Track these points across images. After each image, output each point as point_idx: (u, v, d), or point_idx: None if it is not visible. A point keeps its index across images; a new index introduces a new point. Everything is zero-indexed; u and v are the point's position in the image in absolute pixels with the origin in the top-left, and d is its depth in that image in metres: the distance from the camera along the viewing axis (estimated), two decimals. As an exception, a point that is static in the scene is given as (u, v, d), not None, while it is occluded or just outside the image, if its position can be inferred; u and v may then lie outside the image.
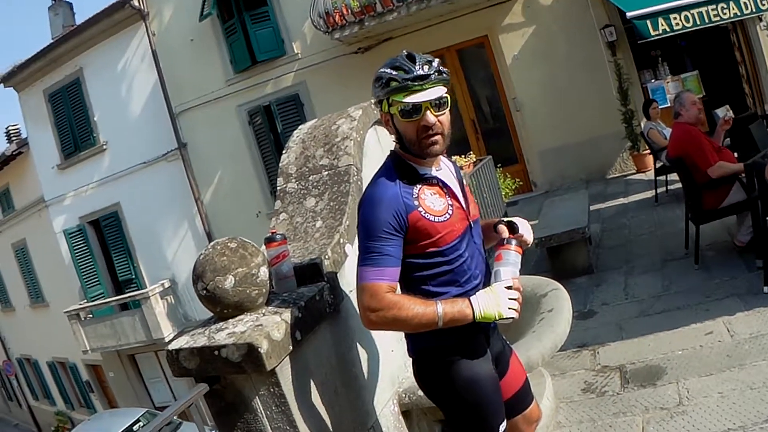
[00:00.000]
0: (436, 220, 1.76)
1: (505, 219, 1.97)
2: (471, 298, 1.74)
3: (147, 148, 11.55)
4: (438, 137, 1.75)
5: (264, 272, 1.98)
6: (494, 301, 1.73)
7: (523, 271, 4.71)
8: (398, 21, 9.41)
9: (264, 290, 1.98)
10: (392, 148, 1.89)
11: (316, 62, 10.26)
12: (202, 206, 11.36)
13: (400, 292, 1.80)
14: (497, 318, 1.73)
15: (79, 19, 13.34)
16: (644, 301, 4.42)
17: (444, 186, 1.83)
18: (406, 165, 1.81)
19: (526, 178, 9.83)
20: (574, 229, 5.13)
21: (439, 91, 1.73)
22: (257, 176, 10.89)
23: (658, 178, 7.27)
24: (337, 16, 9.36)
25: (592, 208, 6.68)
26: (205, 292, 1.90)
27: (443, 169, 1.88)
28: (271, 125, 10.67)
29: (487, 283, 1.85)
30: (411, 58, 1.74)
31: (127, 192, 11.92)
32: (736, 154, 5.15)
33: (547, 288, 2.85)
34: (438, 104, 1.73)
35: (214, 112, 10.98)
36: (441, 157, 1.87)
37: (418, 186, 1.78)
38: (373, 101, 1.88)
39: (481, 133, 10.06)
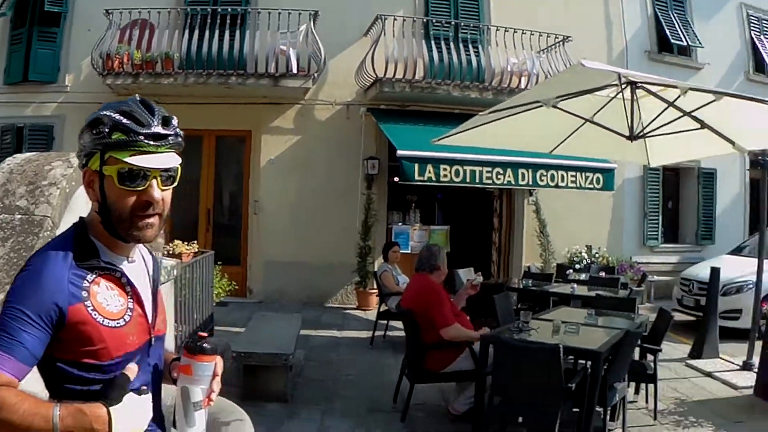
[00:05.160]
0: (105, 323, 1.31)
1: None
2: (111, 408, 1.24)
3: None
4: (155, 219, 1.35)
5: None
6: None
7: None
8: (172, 87, 8.96)
9: None
10: (84, 215, 1.43)
11: (81, 101, 9.34)
12: None
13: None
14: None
15: None
16: (338, 447, 4.14)
17: (129, 284, 1.39)
18: (89, 243, 1.36)
19: (244, 283, 9.47)
20: (278, 354, 4.84)
21: (174, 160, 1.36)
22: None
23: (379, 321, 7.07)
24: (117, 62, 8.91)
25: (301, 332, 6.32)
26: None
27: (137, 262, 1.46)
28: (18, 149, 9.50)
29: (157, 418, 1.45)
30: (147, 107, 1.34)
31: None
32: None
33: (231, 417, 2.57)
34: (167, 177, 1.36)
35: (-32, 115, 9.59)
36: (141, 246, 1.47)
37: (95, 274, 1.33)
38: (78, 151, 1.38)
39: (213, 226, 9.67)
